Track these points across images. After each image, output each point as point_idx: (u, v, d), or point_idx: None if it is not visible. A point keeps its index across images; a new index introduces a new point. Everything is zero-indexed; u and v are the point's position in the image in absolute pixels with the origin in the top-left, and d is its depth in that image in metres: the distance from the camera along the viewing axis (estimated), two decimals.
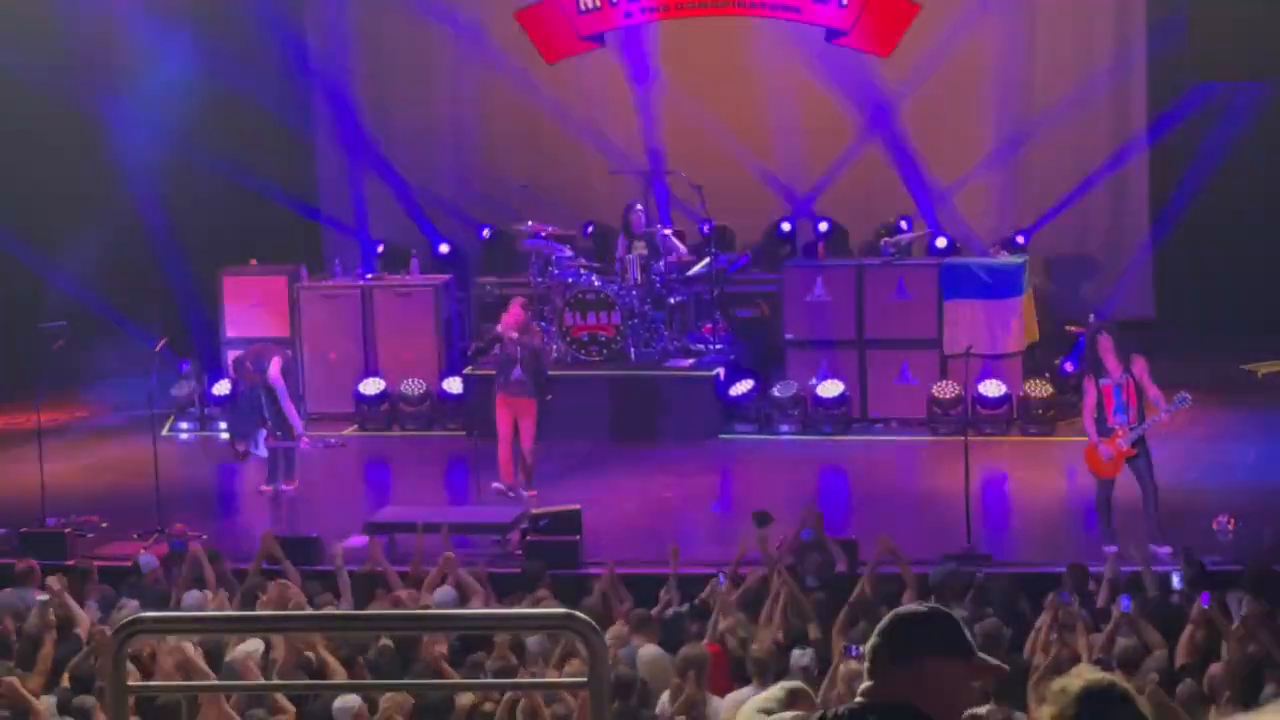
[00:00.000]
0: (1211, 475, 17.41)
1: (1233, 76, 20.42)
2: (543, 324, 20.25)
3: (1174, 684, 10.68)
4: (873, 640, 5.25)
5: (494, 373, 18.01)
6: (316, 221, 22.91)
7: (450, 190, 22.68)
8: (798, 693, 7.37)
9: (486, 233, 22.34)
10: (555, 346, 19.98)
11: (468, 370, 19.94)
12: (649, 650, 11.91)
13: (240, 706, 10.70)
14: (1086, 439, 15.65)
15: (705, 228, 20.42)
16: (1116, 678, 5.29)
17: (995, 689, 10.48)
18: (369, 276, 21.20)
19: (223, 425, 19.65)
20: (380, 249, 22.22)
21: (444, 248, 22.10)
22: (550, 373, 18.24)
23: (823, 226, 21.34)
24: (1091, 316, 19.08)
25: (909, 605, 5.55)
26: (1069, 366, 19.70)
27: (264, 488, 18.12)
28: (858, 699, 5.27)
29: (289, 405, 18.00)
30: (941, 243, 20.60)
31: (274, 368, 17.94)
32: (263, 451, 17.93)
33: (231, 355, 19.72)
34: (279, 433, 17.92)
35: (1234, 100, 20.60)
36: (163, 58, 21.68)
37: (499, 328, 17.74)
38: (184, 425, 20.62)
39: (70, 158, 21.97)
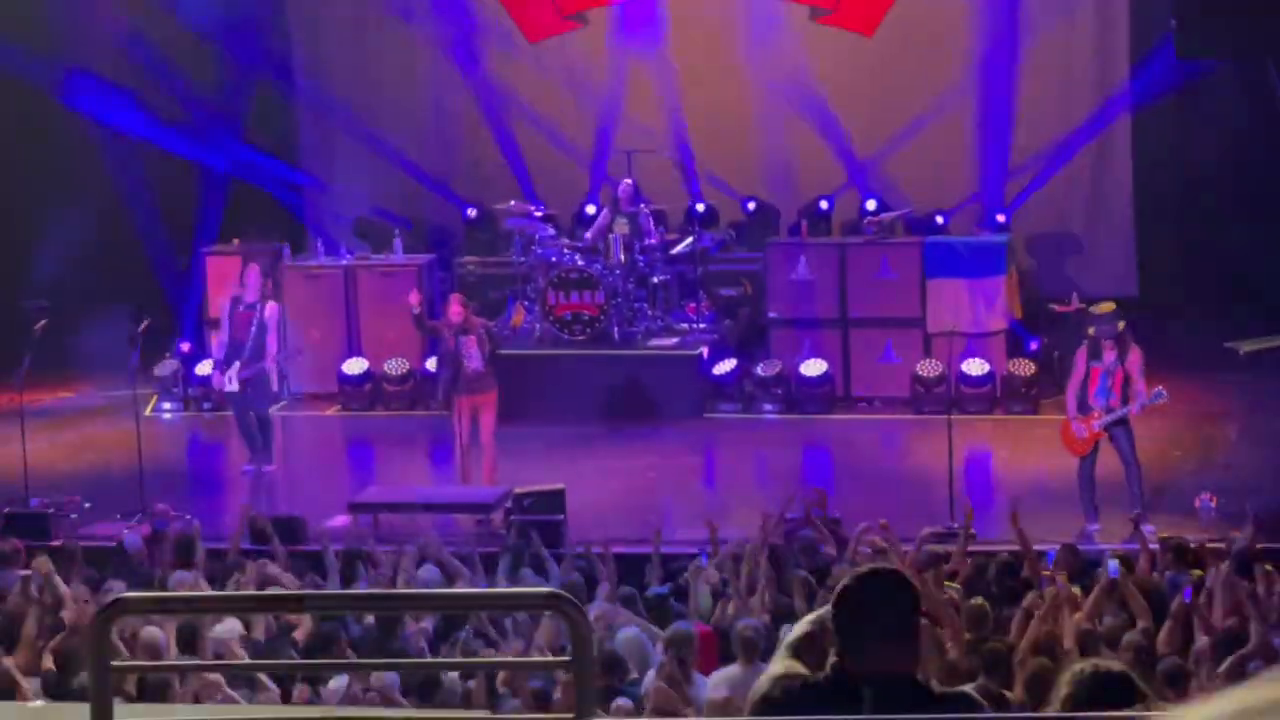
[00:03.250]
0: (1194, 452, 17.45)
1: (1217, 49, 20.36)
2: (526, 304, 20.24)
3: (1154, 665, 10.68)
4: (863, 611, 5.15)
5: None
6: (299, 200, 22.82)
7: (433, 170, 22.58)
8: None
9: (472, 212, 22.24)
10: (538, 326, 19.96)
11: None
12: (626, 630, 11.91)
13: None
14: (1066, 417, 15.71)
15: (693, 205, 20.41)
16: (1118, 662, 5.29)
17: (984, 666, 10.49)
18: (347, 257, 21.12)
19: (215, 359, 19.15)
20: (352, 228, 22.10)
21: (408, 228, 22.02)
22: (534, 352, 18.03)
23: (824, 204, 21.28)
24: (1074, 296, 18.97)
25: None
26: (1033, 344, 19.68)
27: (246, 468, 18.12)
28: (831, 667, 5.13)
29: (273, 339, 17.96)
30: (939, 220, 20.60)
31: (270, 308, 17.97)
32: (234, 386, 17.81)
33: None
34: (252, 360, 17.79)
35: (1219, 73, 20.54)
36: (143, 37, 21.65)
37: (442, 322, 17.23)
38: (167, 405, 20.58)
39: (49, 135, 21.91)
